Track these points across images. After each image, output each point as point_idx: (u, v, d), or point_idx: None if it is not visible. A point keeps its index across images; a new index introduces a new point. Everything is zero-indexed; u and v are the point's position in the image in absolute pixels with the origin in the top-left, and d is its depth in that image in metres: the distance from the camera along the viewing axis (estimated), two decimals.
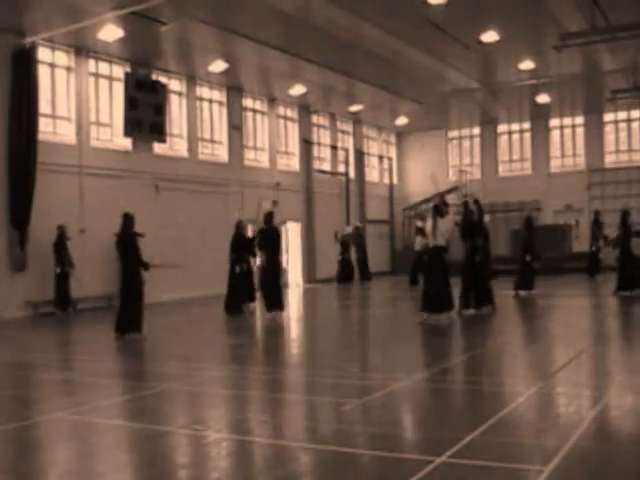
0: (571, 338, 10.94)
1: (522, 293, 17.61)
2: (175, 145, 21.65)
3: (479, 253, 14.23)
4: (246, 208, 22.94)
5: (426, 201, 31.14)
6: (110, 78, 19.56)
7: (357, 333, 13.03)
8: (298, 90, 24.27)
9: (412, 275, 22.90)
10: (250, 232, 17.57)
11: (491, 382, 7.82)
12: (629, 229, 17.68)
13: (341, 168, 29.29)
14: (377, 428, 5.86)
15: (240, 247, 15.86)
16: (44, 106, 17.67)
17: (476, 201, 14.85)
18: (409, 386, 7.50)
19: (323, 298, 21.61)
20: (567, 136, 31.39)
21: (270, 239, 14.34)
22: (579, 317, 14.19)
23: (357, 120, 30.50)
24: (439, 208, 12.94)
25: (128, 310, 12.11)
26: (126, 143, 19.78)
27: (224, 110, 23.43)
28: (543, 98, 26.91)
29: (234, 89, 23.50)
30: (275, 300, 14.32)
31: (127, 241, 12.09)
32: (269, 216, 14.44)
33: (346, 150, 29.63)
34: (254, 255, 16.01)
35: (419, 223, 22.74)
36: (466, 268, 14.12)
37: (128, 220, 12.16)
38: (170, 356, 10.70)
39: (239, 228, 16.11)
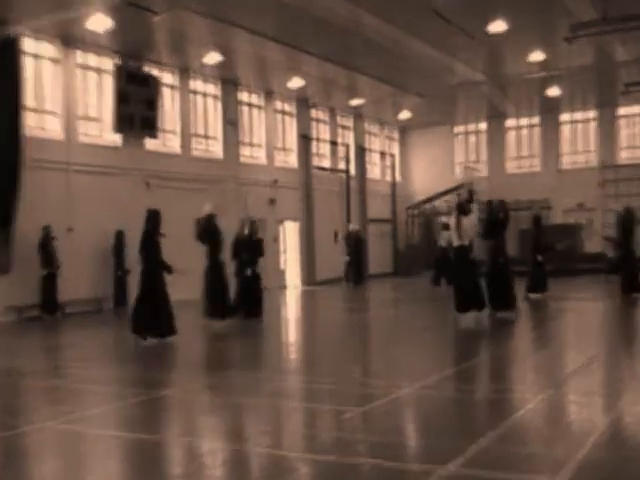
0: (582, 343, 10.98)
1: (534, 296, 17.64)
2: (167, 141, 21.68)
3: (503, 254, 14.27)
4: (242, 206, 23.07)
5: (430, 200, 31.27)
6: (99, 70, 19.59)
7: (358, 338, 13.05)
8: (296, 83, 24.30)
9: (436, 274, 22.86)
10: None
11: (498, 389, 7.85)
12: (630, 228, 17.88)
13: (341, 165, 29.32)
14: (379, 437, 5.90)
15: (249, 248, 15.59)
16: (29, 100, 17.68)
17: (502, 202, 14.77)
18: (412, 393, 7.52)
19: (323, 301, 21.65)
20: (578, 131, 31.42)
21: (206, 239, 14.12)
22: (591, 321, 14.24)
23: (358, 115, 30.54)
24: (462, 206, 12.97)
25: (148, 312, 11.88)
26: (116, 139, 19.80)
27: (219, 104, 23.46)
28: (553, 91, 26.93)
29: (229, 82, 23.54)
30: (218, 307, 14.13)
31: (148, 240, 11.86)
32: (207, 219, 14.26)
33: (346, 146, 29.67)
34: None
35: (444, 218, 22.86)
36: (490, 269, 14.20)
37: (152, 217, 11.98)
38: (163, 362, 10.75)
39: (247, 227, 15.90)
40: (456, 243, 13.02)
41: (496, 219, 14.24)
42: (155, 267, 11.99)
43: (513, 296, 14.23)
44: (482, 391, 7.91)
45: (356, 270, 26.30)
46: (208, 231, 14.17)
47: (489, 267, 14.24)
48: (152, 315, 11.94)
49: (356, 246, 26.56)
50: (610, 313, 15.56)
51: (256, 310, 15.19)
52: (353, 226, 27.05)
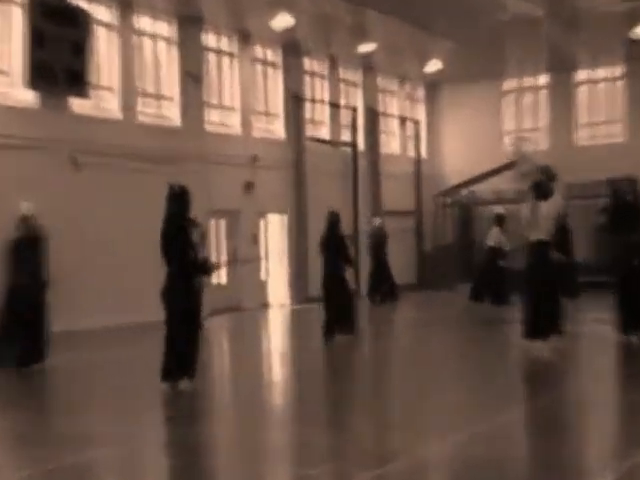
0: None
1: None
2: (103, 102, 21.62)
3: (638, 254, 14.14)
4: (213, 192, 22.98)
5: (468, 183, 31.18)
6: (7, 2, 19.49)
7: (367, 374, 13.09)
8: (282, 22, 24.32)
9: (475, 286, 22.77)
10: None
11: (563, 451, 7.73)
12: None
13: (346, 136, 29.36)
14: None
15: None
16: None
17: (631, 182, 14.81)
18: (443, 452, 7.54)
19: (318, 324, 21.49)
20: None
21: (24, 250, 14.08)
22: None
23: (368, 66, 30.52)
24: (540, 186, 12.89)
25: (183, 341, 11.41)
26: (29, 98, 19.72)
27: (175, 50, 23.40)
28: None
29: (189, 20, 23.46)
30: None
31: (171, 240, 11.65)
32: (24, 221, 14.21)
33: (353, 109, 29.69)
34: None
35: (498, 208, 22.94)
36: (621, 275, 14.17)
37: (178, 197, 11.75)
38: (91, 409, 10.71)
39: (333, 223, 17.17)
40: (533, 237, 12.95)
41: (623, 205, 14.22)
42: (187, 269, 11.59)
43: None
44: (540, 451, 7.82)
45: (378, 282, 25.87)
46: (30, 239, 14.21)
47: (620, 271, 14.23)
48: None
49: (379, 249, 26.09)
50: None
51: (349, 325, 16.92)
52: (376, 221, 26.82)
